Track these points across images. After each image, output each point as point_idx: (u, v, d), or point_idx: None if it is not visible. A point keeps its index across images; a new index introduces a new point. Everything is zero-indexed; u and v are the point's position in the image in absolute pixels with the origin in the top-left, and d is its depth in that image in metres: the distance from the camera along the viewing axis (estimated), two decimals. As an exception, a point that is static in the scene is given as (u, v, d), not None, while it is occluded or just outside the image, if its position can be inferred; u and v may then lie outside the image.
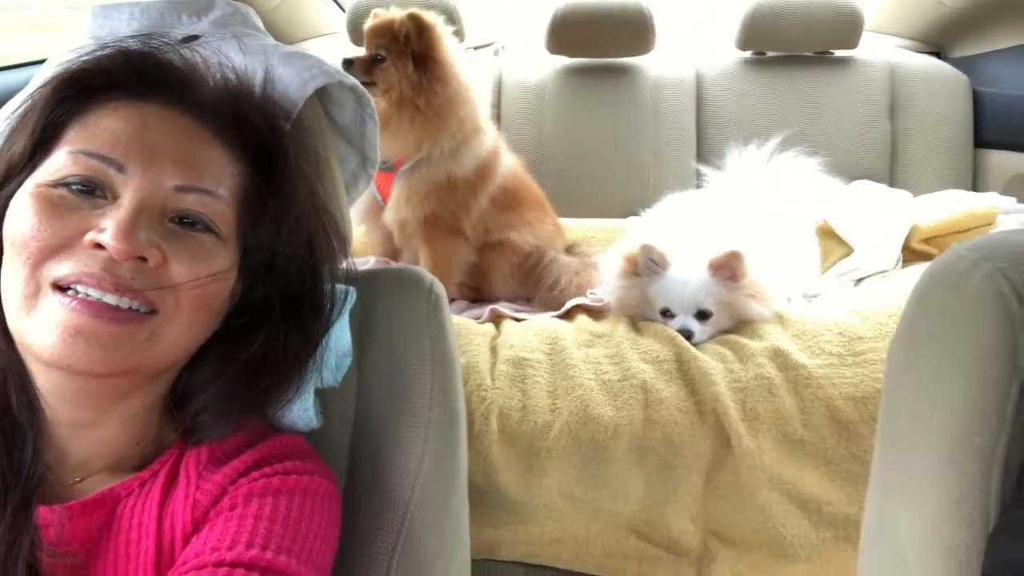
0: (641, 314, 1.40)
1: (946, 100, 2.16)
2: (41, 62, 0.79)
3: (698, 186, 2.07)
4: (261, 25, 0.91)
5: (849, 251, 1.75)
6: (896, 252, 1.67)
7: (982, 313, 0.55)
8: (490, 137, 1.68)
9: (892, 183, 2.10)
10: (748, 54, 2.29)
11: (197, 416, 0.64)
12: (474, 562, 0.85)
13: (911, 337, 0.64)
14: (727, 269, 1.34)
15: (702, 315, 1.34)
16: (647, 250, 1.37)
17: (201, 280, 0.60)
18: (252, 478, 0.61)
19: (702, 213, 1.62)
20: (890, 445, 0.66)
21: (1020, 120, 2.04)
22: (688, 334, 1.31)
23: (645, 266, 1.38)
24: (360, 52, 1.64)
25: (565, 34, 2.19)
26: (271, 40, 0.86)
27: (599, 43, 2.21)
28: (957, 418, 0.56)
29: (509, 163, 1.73)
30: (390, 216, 1.65)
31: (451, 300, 1.55)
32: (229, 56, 0.71)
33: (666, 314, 1.36)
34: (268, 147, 0.66)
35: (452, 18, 2.17)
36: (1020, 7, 2.01)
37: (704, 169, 1.99)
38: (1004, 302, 0.54)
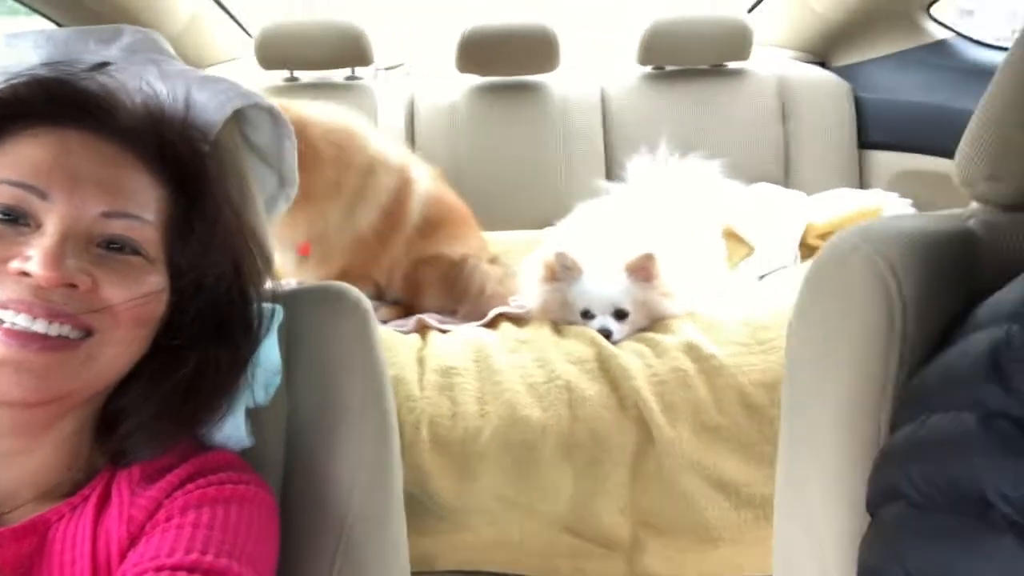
0: (563, 317, 1.45)
1: (831, 105, 2.30)
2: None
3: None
4: (171, 50, 0.90)
5: (751, 250, 1.86)
6: (794, 249, 1.78)
7: (863, 289, 0.63)
8: (391, 175, 1.61)
9: (787, 184, 2.22)
10: (648, 69, 2.39)
11: (128, 438, 0.63)
12: (413, 575, 0.85)
13: (806, 313, 0.71)
14: (642, 270, 1.40)
15: (620, 315, 1.40)
16: (561, 257, 1.43)
17: (137, 299, 0.60)
18: (187, 490, 0.61)
19: (613, 220, 1.68)
20: (794, 413, 0.73)
21: (897, 123, 2.20)
22: (607, 333, 1.36)
23: (561, 272, 1.43)
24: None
25: (473, 53, 2.24)
26: (185, 65, 0.87)
27: (506, 61, 2.28)
28: (848, 383, 0.63)
29: (425, 191, 1.69)
30: (307, 276, 1.61)
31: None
32: (150, 81, 0.71)
33: (586, 315, 1.42)
34: (192, 170, 0.66)
35: (360, 40, 2.19)
36: (891, 18, 2.18)
37: (612, 179, 2.07)
38: (882, 280, 0.62)
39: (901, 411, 0.58)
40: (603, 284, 1.41)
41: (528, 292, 1.53)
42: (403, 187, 1.64)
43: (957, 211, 0.69)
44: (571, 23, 2.51)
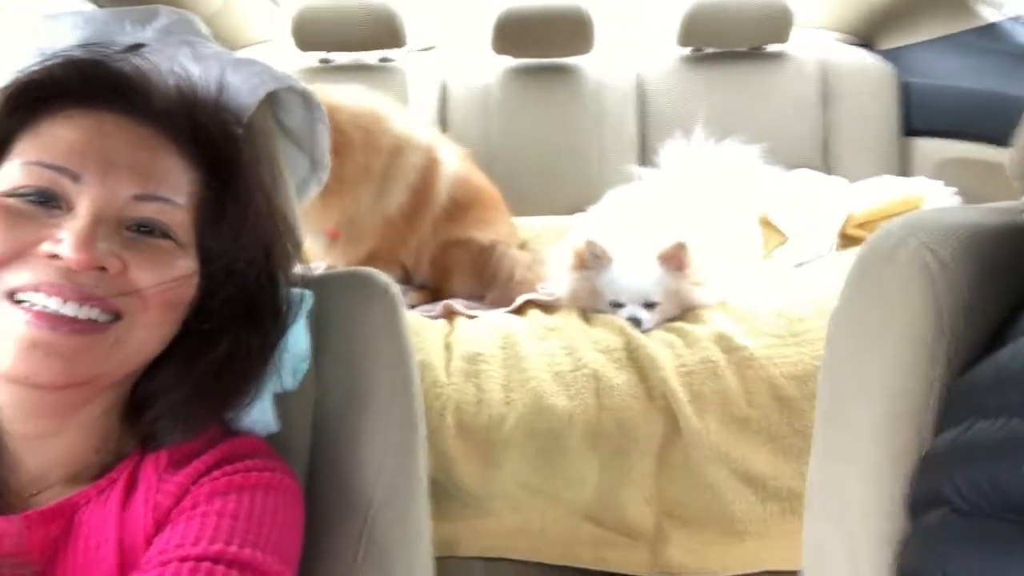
0: (592, 305, 1.44)
1: (874, 90, 2.25)
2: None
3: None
4: (207, 31, 0.90)
5: (787, 239, 1.82)
6: (832, 238, 1.74)
7: (911, 284, 0.61)
8: (417, 154, 1.60)
9: (828, 171, 2.18)
10: (686, 52, 2.35)
11: (156, 422, 0.63)
12: (435, 560, 0.86)
13: (849, 309, 0.69)
14: (674, 259, 1.38)
15: (649, 304, 1.38)
16: (591, 246, 1.41)
17: (167, 284, 0.60)
18: (213, 477, 0.61)
19: (645, 206, 1.66)
20: (831, 410, 0.71)
21: (944, 108, 2.13)
22: (637, 322, 1.35)
23: (591, 260, 1.41)
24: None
25: (509, 34, 2.22)
26: (219, 47, 0.86)
27: (541, 43, 2.25)
28: (891, 381, 0.61)
29: (454, 171, 1.68)
30: (336, 258, 1.62)
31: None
32: (183, 63, 0.71)
33: (616, 305, 1.40)
34: (224, 153, 0.66)
35: (394, 21, 2.18)
36: (940, 0, 2.10)
37: (646, 165, 2.04)
38: (929, 273, 0.59)
39: (947, 413, 0.56)
40: (633, 273, 1.40)
41: (557, 280, 1.51)
42: (430, 166, 1.64)
43: (1009, 204, 0.66)
44: (607, 4, 2.46)
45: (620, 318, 1.37)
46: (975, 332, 0.58)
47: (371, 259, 1.60)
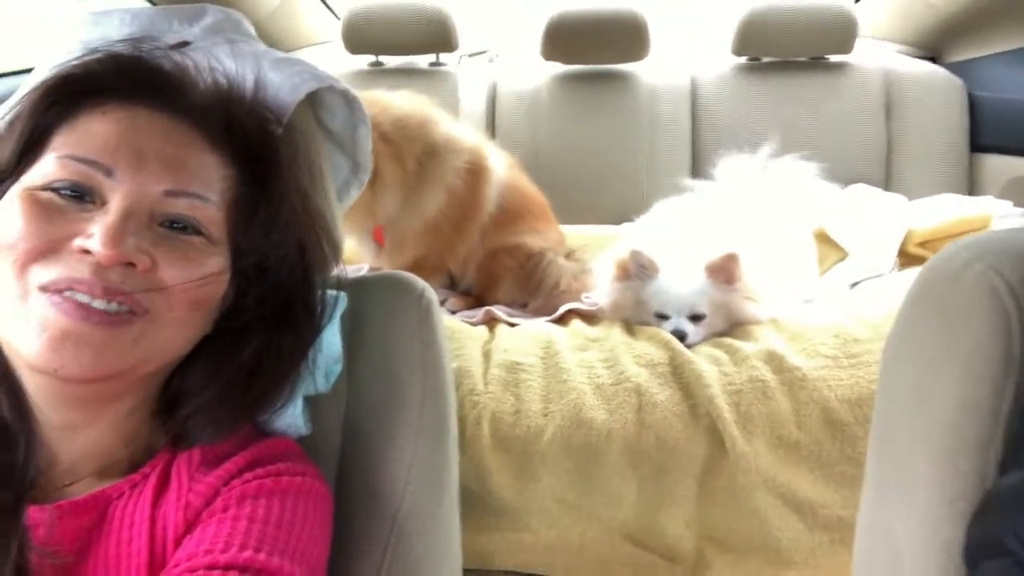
0: (636, 316, 1.41)
1: (941, 104, 2.17)
2: (29, 71, 0.79)
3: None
4: (253, 31, 0.91)
5: (844, 255, 1.76)
6: (892, 256, 1.67)
7: (977, 311, 0.56)
8: (459, 157, 1.58)
9: (887, 187, 2.10)
10: (743, 60, 2.30)
11: (188, 420, 0.63)
12: (468, 571, 0.84)
13: (906, 335, 0.64)
14: (723, 271, 1.34)
15: (696, 317, 1.34)
16: (636, 255, 1.38)
17: (193, 282, 0.59)
18: (245, 479, 0.61)
19: (695, 218, 1.62)
20: (884, 444, 0.66)
21: (1015, 124, 2.05)
22: (682, 336, 1.31)
23: (636, 271, 1.38)
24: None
25: (559, 41, 2.20)
26: (262, 46, 0.86)
27: (593, 50, 2.22)
28: (952, 415, 0.56)
29: (502, 179, 1.67)
30: (384, 264, 1.62)
31: (442, 301, 1.53)
32: (220, 60, 0.71)
33: (661, 316, 1.37)
34: (259, 151, 0.66)
35: (445, 25, 2.18)
36: (1013, 11, 2.02)
37: (700, 175, 2.00)
38: (998, 299, 0.55)
39: (1013, 452, 0.51)
40: (679, 284, 1.36)
41: (601, 289, 1.48)
42: (476, 172, 1.62)
43: None
44: (662, 8, 2.43)
45: (664, 331, 1.33)
46: None
47: (417, 267, 1.59)
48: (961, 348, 0.57)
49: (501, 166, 1.69)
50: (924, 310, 0.62)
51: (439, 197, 1.57)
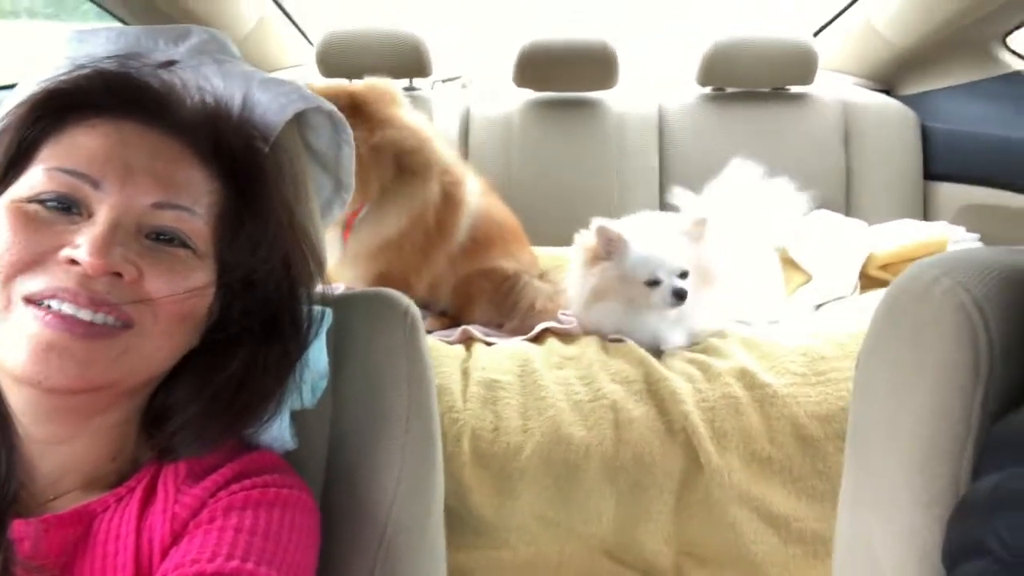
0: (624, 294, 1.39)
1: (896, 135, 2.24)
2: (11, 86, 0.79)
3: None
4: (237, 52, 0.92)
5: (809, 278, 1.80)
6: (854, 279, 1.72)
7: (945, 324, 0.59)
8: (436, 187, 1.60)
9: (848, 213, 2.16)
10: (708, 90, 2.36)
11: (174, 435, 0.63)
12: None
13: (878, 349, 0.67)
14: (695, 233, 1.38)
15: (683, 276, 1.36)
16: (602, 231, 1.39)
17: (179, 295, 0.60)
18: (232, 491, 0.60)
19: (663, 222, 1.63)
20: (859, 457, 0.68)
21: (966, 154, 2.13)
22: (682, 294, 1.32)
23: (605, 247, 1.39)
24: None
25: (532, 68, 2.24)
26: (249, 66, 0.87)
27: (564, 77, 2.27)
28: (925, 425, 0.59)
29: (476, 208, 1.68)
30: (343, 275, 1.61)
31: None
32: (210, 79, 0.71)
33: (652, 283, 1.36)
34: (245, 167, 0.67)
35: (419, 51, 2.21)
36: (963, 48, 2.11)
37: (667, 199, 2.03)
38: (966, 313, 0.58)
39: (986, 458, 0.54)
40: (663, 247, 1.37)
41: (576, 283, 1.47)
42: (450, 202, 1.63)
43: None
44: (631, 39, 2.48)
45: (658, 299, 1.34)
46: (1014, 374, 0.56)
47: (381, 282, 1.60)
48: (931, 359, 0.59)
49: (476, 196, 1.70)
50: (895, 324, 0.65)
51: (400, 219, 1.57)
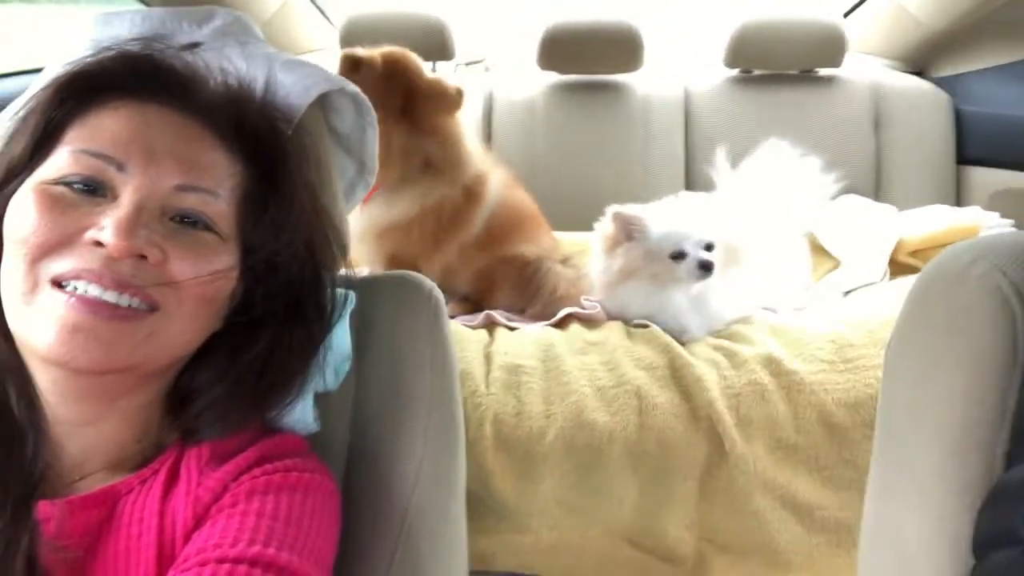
0: (651, 272, 1.38)
1: (928, 118, 2.19)
2: (39, 70, 0.80)
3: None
4: (261, 34, 0.91)
5: (837, 264, 1.77)
6: (883, 265, 1.69)
7: (981, 308, 0.57)
8: (458, 185, 1.59)
9: (877, 198, 2.12)
10: (735, 72, 2.32)
11: (199, 417, 0.64)
12: (469, 573, 0.84)
13: (910, 334, 0.65)
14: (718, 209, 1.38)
15: (709, 248, 1.34)
16: (619, 216, 1.37)
17: (203, 277, 0.60)
18: (254, 475, 0.61)
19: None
20: (888, 445, 0.67)
21: (1000, 137, 2.08)
22: (709, 266, 1.31)
23: (624, 232, 1.38)
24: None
25: (556, 51, 2.22)
26: (272, 48, 0.87)
27: (589, 60, 2.25)
28: (957, 412, 0.58)
29: (495, 200, 1.65)
30: (355, 250, 1.59)
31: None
32: (232, 61, 0.71)
33: (678, 257, 1.34)
34: (269, 149, 0.67)
35: (443, 34, 2.19)
36: (997, 29, 2.06)
37: (693, 182, 2.01)
38: (1003, 297, 0.56)
39: (1019, 445, 0.52)
40: (686, 220, 1.35)
41: (599, 270, 1.46)
42: (471, 196, 1.61)
43: None
44: (657, 20, 2.45)
45: (684, 271, 1.33)
46: None
47: (391, 262, 1.60)
48: (966, 345, 0.58)
49: (498, 189, 1.68)
50: (928, 308, 0.64)
51: (413, 207, 1.56)
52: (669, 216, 1.38)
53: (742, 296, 1.45)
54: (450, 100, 1.56)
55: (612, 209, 1.39)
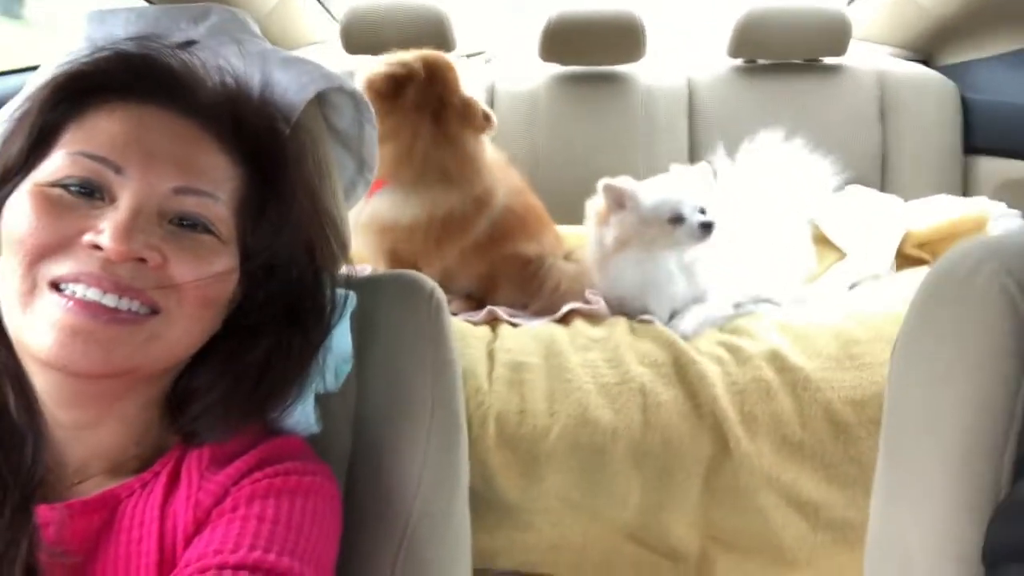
0: (648, 237, 1.39)
1: (934, 107, 2.17)
2: (35, 68, 0.79)
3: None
4: (258, 31, 0.90)
5: (842, 256, 1.76)
6: (890, 257, 1.68)
7: (988, 311, 0.56)
8: (469, 198, 1.59)
9: (883, 189, 2.11)
10: (739, 62, 2.30)
11: (198, 419, 0.64)
12: (473, 572, 0.84)
13: (915, 338, 0.64)
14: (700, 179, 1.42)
15: (703, 212, 1.35)
16: (608, 188, 1.39)
17: (204, 279, 0.60)
18: (255, 479, 0.61)
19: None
20: (894, 450, 0.66)
21: (1008, 126, 2.06)
22: (710, 226, 1.32)
23: (615, 202, 1.40)
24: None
25: (557, 41, 2.21)
26: (269, 45, 0.86)
27: (591, 50, 2.23)
28: (965, 417, 0.57)
29: (500, 205, 1.65)
30: (353, 244, 1.61)
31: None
32: (229, 60, 0.70)
33: (676, 221, 1.36)
34: (267, 150, 0.66)
35: (443, 25, 2.18)
36: (1004, 15, 2.03)
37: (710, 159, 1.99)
38: (1010, 299, 0.55)
39: None
40: (679, 185, 1.38)
41: (593, 242, 1.48)
42: (479, 205, 1.61)
43: None
44: (659, 10, 2.43)
45: (684, 235, 1.34)
46: None
47: (392, 260, 1.60)
48: (973, 347, 0.57)
49: (505, 196, 1.67)
50: (934, 310, 0.62)
51: (419, 211, 1.56)
52: (662, 184, 1.40)
53: (731, 273, 1.45)
54: (478, 123, 1.57)
55: (603, 182, 1.41)
